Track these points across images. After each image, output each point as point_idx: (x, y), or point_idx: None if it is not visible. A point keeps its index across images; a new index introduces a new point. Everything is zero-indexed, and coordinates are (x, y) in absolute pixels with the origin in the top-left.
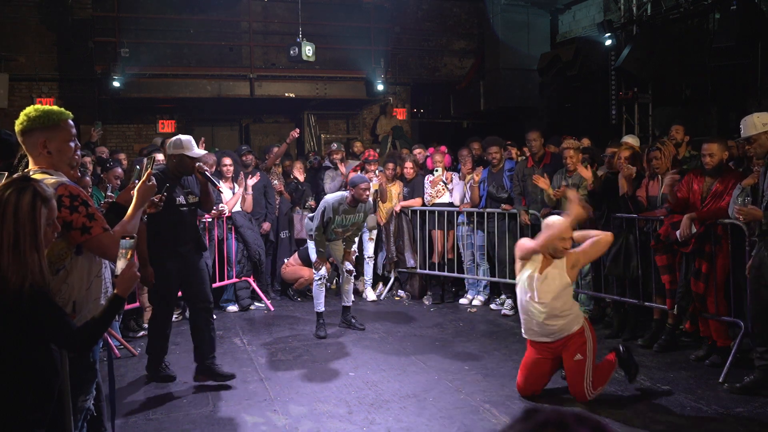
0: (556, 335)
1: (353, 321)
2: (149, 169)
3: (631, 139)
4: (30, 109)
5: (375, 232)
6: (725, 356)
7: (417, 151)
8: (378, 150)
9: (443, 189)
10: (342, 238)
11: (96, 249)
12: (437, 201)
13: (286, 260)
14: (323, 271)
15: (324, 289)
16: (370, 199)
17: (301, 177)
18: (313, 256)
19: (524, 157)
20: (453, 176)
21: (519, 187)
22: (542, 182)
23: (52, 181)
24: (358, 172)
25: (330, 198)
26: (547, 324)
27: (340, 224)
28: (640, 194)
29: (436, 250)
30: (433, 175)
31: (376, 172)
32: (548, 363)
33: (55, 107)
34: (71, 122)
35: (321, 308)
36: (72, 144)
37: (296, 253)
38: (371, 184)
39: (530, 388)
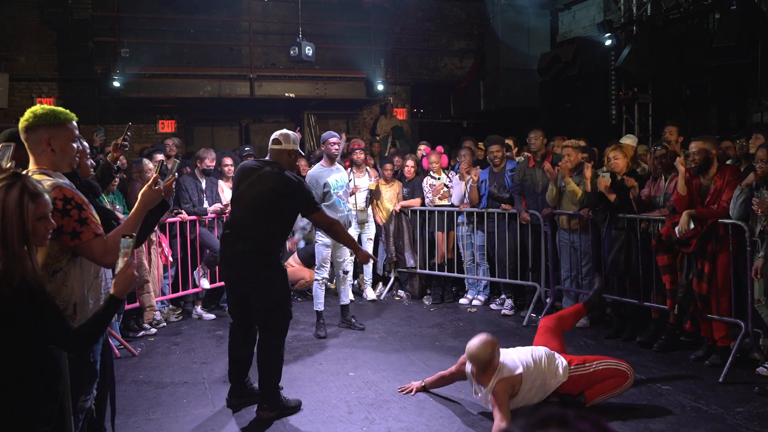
0: None
1: (353, 321)
2: (157, 174)
3: (629, 140)
4: (36, 108)
5: (373, 230)
6: (725, 356)
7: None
8: (380, 143)
9: (446, 195)
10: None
11: (87, 255)
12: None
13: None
14: (325, 273)
15: (324, 288)
16: (361, 185)
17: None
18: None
19: (526, 156)
20: (452, 176)
21: (520, 187)
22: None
23: (50, 183)
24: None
25: (308, 171)
26: None
27: (335, 186)
28: (643, 194)
29: (438, 252)
30: (433, 178)
31: (368, 168)
32: None
33: (60, 108)
34: (75, 124)
35: (321, 307)
36: (75, 145)
37: (296, 254)
38: (370, 182)
39: None
